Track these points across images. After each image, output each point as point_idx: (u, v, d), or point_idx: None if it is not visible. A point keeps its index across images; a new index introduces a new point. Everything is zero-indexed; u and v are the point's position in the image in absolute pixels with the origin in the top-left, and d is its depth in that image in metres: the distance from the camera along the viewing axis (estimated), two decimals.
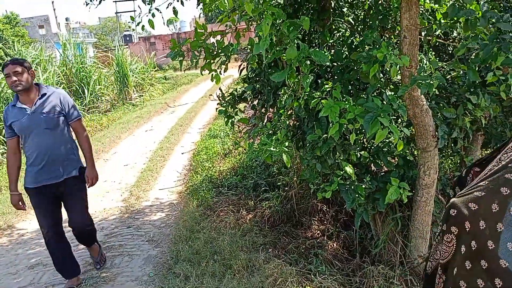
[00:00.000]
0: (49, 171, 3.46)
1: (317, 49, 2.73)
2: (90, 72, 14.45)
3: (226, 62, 3.20)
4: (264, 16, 2.21)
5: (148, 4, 3.93)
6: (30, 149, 3.40)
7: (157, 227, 4.97)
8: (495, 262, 1.45)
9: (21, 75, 3.27)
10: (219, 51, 3.10)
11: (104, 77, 15.71)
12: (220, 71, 3.23)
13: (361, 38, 3.41)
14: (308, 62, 2.59)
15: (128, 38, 36.28)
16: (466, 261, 1.56)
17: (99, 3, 4.53)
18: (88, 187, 3.69)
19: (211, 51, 3.12)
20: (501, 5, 4.42)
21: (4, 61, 2.99)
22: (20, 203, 3.50)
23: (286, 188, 4.89)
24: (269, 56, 2.58)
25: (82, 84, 13.72)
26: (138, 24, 3.73)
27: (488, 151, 4.19)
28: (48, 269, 4.12)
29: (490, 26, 2.39)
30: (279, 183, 5.13)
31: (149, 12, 3.65)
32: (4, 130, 3.48)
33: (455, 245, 1.63)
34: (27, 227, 5.28)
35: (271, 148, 2.75)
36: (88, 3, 4.48)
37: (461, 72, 3.25)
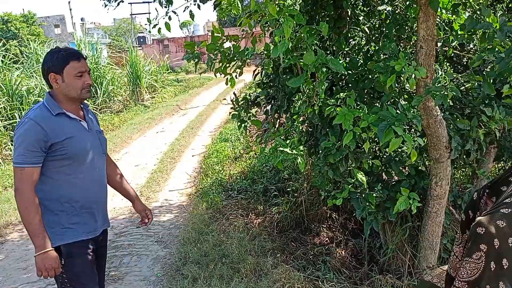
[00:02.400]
0: (104, 214, 2.52)
1: (332, 56, 2.74)
2: (104, 73, 14.60)
3: (242, 67, 3.23)
4: (285, 19, 2.23)
5: (165, 7, 3.98)
6: (82, 180, 2.31)
7: (166, 228, 5.00)
8: None
9: (90, 76, 2.37)
10: (236, 55, 3.13)
11: (117, 77, 15.85)
12: (236, 75, 3.26)
13: (377, 47, 3.43)
14: (324, 69, 2.60)
15: (142, 40, 36.52)
16: (499, 281, 1.55)
17: (118, 5, 4.60)
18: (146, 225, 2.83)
19: (227, 55, 3.15)
20: None
21: (64, 51, 2.27)
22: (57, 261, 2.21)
23: (296, 194, 4.89)
24: (286, 60, 2.60)
25: (95, 84, 13.85)
26: (155, 26, 3.77)
27: (500, 164, 4.17)
28: None
29: (507, 39, 2.40)
30: (289, 189, 5.15)
31: (166, 15, 3.69)
32: (17, 151, 2.16)
33: (484, 262, 1.60)
34: None
35: (287, 150, 2.75)
36: (107, 5, 4.54)
37: (476, 83, 3.24)
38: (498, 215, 1.56)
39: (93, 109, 12.83)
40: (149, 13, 26.88)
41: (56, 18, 41.67)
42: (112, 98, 14.96)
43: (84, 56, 2.33)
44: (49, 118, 2.19)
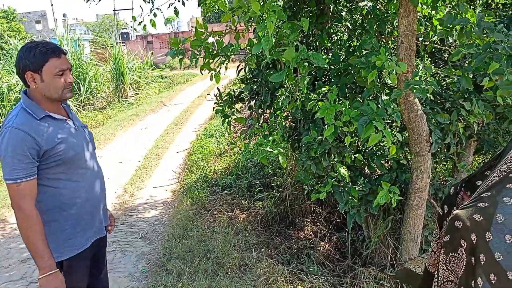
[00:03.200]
0: (101, 218, 2.38)
1: (314, 52, 2.77)
2: (86, 69, 14.41)
3: (226, 62, 3.23)
4: (267, 15, 2.24)
5: (149, 2, 3.96)
6: (82, 183, 2.19)
7: (151, 225, 4.98)
8: (503, 275, 1.45)
9: (71, 73, 2.17)
10: (219, 51, 3.13)
11: (100, 74, 15.67)
12: (219, 71, 3.26)
13: (358, 43, 3.46)
14: (306, 64, 2.63)
15: (125, 36, 36.20)
16: (477, 277, 1.55)
17: (99, 0, 4.56)
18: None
19: (210, 50, 3.15)
20: (497, 14, 4.50)
21: (42, 46, 2.01)
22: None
23: (280, 189, 4.93)
24: (269, 56, 2.61)
25: (78, 81, 13.66)
26: (140, 23, 3.75)
27: (480, 157, 4.25)
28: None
29: (484, 35, 2.44)
30: (273, 184, 5.18)
31: (151, 12, 3.68)
32: (7, 166, 1.94)
33: (465, 259, 1.63)
34: None
35: (267, 149, 2.78)
36: (89, 0, 4.49)
37: (456, 78, 3.30)
38: (474, 209, 1.57)
39: (76, 106, 12.70)
40: (132, 8, 26.69)
41: (37, 14, 41.06)
42: (95, 95, 14.79)
43: (65, 51, 2.11)
44: (35, 124, 1.97)
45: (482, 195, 1.59)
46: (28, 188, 1.96)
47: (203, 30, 3.06)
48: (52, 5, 41.60)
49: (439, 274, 1.82)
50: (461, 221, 1.61)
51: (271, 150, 2.80)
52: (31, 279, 3.86)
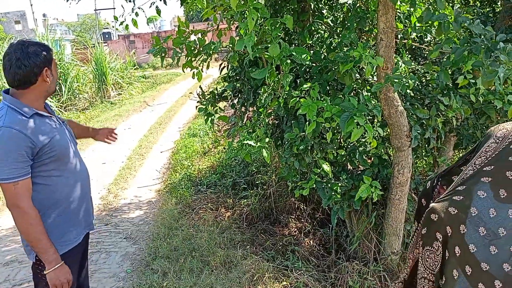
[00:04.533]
0: (89, 213, 2.44)
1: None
2: (67, 69, 14.24)
3: (208, 60, 3.24)
4: (248, 12, 2.25)
5: (130, 1, 3.95)
6: (73, 178, 2.23)
7: (135, 225, 4.96)
8: (477, 267, 1.48)
9: None
10: (201, 49, 3.14)
11: (82, 74, 15.50)
12: (202, 69, 3.27)
13: (339, 40, 3.50)
14: (289, 61, 2.65)
15: (107, 36, 35.89)
16: (453, 269, 1.59)
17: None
18: None
19: (192, 48, 3.16)
20: (475, 11, 4.58)
21: (37, 43, 2.04)
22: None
23: (265, 187, 4.95)
24: (252, 53, 2.63)
25: (59, 81, 13.51)
26: (122, 23, 3.73)
27: (460, 152, 4.33)
28: (24, 266, 4.08)
29: (462, 31, 2.50)
30: (257, 182, 5.20)
31: (133, 11, 3.66)
32: (1, 166, 1.93)
33: (441, 252, 1.66)
34: (1, 224, 5.21)
35: (251, 143, 2.79)
36: None
37: (436, 75, 3.36)
38: (450, 203, 1.61)
39: (58, 107, 12.57)
40: (114, 8, 26.44)
41: (17, 14, 40.42)
42: (77, 96, 14.64)
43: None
44: (27, 122, 1.96)
45: (457, 189, 1.62)
46: (25, 186, 1.97)
47: (185, 29, 3.07)
48: (31, 5, 40.99)
49: (418, 268, 1.86)
50: (437, 214, 1.65)
51: (254, 144, 2.81)
52: (14, 282, 3.82)
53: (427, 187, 1.97)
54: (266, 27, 2.52)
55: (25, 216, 1.97)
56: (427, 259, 1.75)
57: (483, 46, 2.27)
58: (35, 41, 2.06)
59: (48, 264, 2.04)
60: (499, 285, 1.44)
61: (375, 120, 3.41)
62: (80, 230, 2.28)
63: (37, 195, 2.06)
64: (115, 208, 5.55)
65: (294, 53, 2.58)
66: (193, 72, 3.26)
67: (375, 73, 2.94)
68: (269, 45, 2.51)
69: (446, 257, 1.63)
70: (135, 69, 21.14)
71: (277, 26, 2.53)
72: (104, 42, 24.26)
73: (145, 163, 7.62)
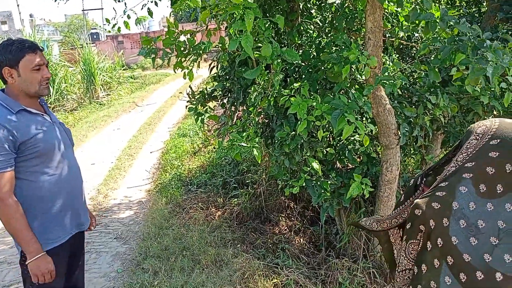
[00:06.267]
0: (84, 208, 2.49)
1: (288, 49, 2.81)
2: (55, 70, 14.13)
3: (198, 60, 3.25)
4: (246, 12, 2.27)
5: (120, 1, 3.94)
6: (59, 176, 2.23)
7: (125, 225, 4.96)
8: (459, 258, 1.53)
9: (48, 69, 2.24)
10: (191, 49, 3.15)
11: (70, 75, 15.40)
12: (193, 69, 3.28)
13: (328, 39, 3.54)
14: (279, 61, 2.68)
15: (95, 36, 35.66)
16: (435, 258, 1.65)
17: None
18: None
19: (182, 49, 3.17)
20: (461, 11, 4.66)
21: (19, 42, 2.10)
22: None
23: (255, 186, 4.97)
24: (243, 53, 2.65)
25: None
26: (114, 26, 3.73)
27: (447, 150, 4.39)
28: (13, 267, 4.05)
29: (449, 29, 2.55)
30: (248, 181, 5.22)
31: (124, 14, 3.67)
32: None
33: (422, 242, 1.72)
34: None
35: (242, 144, 2.82)
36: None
37: (423, 73, 3.41)
38: (433, 198, 1.66)
39: None
40: (102, 8, 26.29)
41: (3, 14, 39.96)
42: (65, 96, 14.54)
43: (41, 48, 2.19)
44: (10, 117, 2.02)
45: (440, 185, 1.68)
46: (8, 178, 2.01)
47: (175, 29, 3.08)
48: (18, 5, 40.60)
49: (399, 262, 1.92)
50: (420, 209, 1.71)
51: (245, 145, 2.84)
52: (3, 283, 3.80)
53: (411, 184, 2.03)
54: (260, 27, 2.54)
55: (7, 208, 2.01)
56: (412, 252, 1.80)
57: (469, 44, 2.33)
58: (15, 40, 2.12)
59: (29, 254, 2.07)
60: (480, 277, 1.49)
61: (364, 118, 3.45)
62: (66, 229, 2.28)
63: (21, 191, 2.10)
64: (105, 208, 5.53)
65: (286, 55, 2.60)
66: (184, 72, 3.27)
67: (363, 72, 2.98)
68: (260, 45, 2.53)
69: (428, 248, 1.68)
70: (124, 69, 21.08)
71: (268, 26, 2.55)
72: (92, 43, 24.10)
73: (135, 164, 7.61)
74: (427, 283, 1.68)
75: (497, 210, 1.50)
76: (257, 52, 2.61)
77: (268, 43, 2.50)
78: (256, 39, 2.63)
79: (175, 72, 3.37)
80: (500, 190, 1.51)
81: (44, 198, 2.17)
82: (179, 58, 3.18)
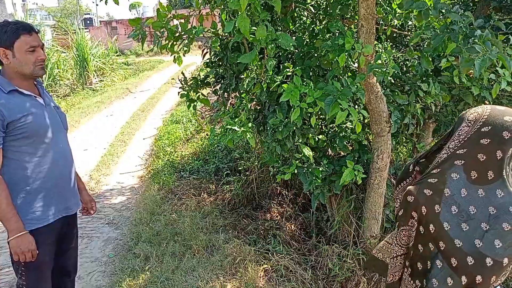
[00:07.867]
0: (74, 192, 2.48)
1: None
2: (48, 55, 14.00)
3: (189, 45, 3.23)
4: None
5: None
6: (46, 158, 2.22)
7: (118, 210, 4.96)
8: (450, 243, 1.57)
9: (44, 51, 2.27)
10: (182, 33, 3.13)
11: (63, 60, 15.25)
12: (184, 53, 3.26)
13: (321, 26, 3.52)
14: (273, 45, 2.66)
15: (88, 22, 35.31)
16: (429, 243, 1.68)
17: None
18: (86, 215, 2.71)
19: (174, 32, 3.14)
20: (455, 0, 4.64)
21: (14, 24, 2.14)
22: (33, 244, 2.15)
23: (247, 173, 4.99)
24: (237, 35, 2.63)
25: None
26: (106, 2, 3.68)
27: (438, 138, 4.42)
28: (3, 251, 4.05)
29: (441, 17, 2.54)
30: (240, 168, 5.23)
31: None
32: None
33: (415, 228, 1.76)
34: None
35: (235, 128, 2.81)
36: None
37: (416, 61, 3.41)
38: (425, 185, 1.69)
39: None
40: None
41: None
42: (58, 82, 14.40)
43: (36, 30, 2.20)
44: (1, 96, 2.05)
45: (432, 172, 1.71)
46: None
47: (166, 12, 3.05)
48: None
49: (390, 249, 1.95)
50: (413, 195, 1.73)
51: (238, 129, 2.83)
52: None
53: (404, 170, 2.05)
54: (254, 9, 2.51)
55: None
56: (403, 238, 1.82)
57: (461, 33, 2.33)
58: (10, 22, 2.14)
59: (10, 232, 2.08)
60: (471, 262, 1.51)
61: (356, 106, 3.45)
62: (51, 211, 2.26)
63: (7, 169, 2.11)
64: (97, 194, 5.52)
65: (280, 39, 2.58)
66: (174, 56, 3.25)
67: (356, 60, 2.98)
68: (254, 29, 2.51)
69: (422, 232, 1.71)
70: (117, 55, 20.88)
71: (264, 8, 2.53)
72: (85, 28, 23.86)
73: (128, 150, 7.59)
74: (424, 262, 1.72)
75: (488, 196, 1.52)
76: (251, 35, 2.60)
77: (263, 26, 2.49)
78: (251, 23, 2.62)
79: (161, 53, 3.33)
80: (491, 176, 1.52)
81: (30, 178, 2.17)
82: (171, 42, 3.16)
